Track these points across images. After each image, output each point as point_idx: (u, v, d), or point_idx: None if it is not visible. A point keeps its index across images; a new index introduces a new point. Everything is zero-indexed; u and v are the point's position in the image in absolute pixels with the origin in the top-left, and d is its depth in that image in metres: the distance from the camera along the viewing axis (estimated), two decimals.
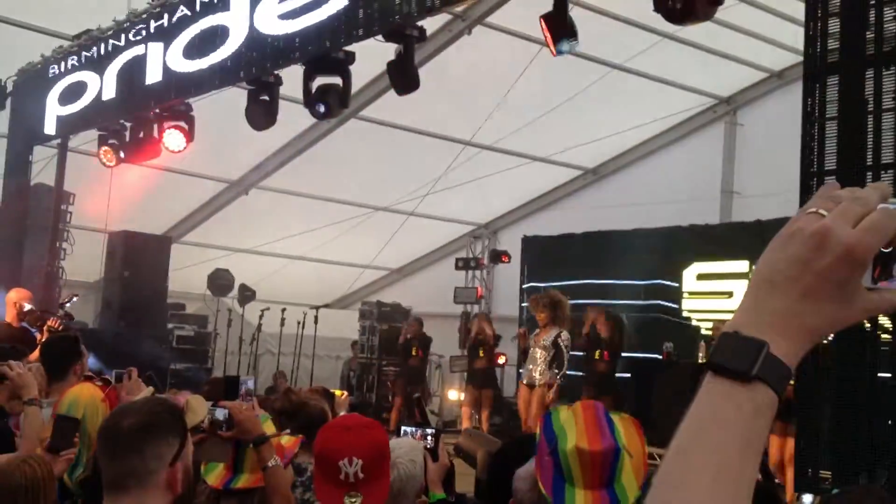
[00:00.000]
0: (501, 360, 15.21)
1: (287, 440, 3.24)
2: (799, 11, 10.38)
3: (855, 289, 0.92)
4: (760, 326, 0.92)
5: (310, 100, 8.23)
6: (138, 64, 9.64)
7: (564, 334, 9.84)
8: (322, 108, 8.29)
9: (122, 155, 10.39)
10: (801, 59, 12.66)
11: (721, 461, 0.88)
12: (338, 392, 5.39)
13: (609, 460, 2.32)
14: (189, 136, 9.86)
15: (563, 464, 2.33)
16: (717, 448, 0.89)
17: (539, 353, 9.77)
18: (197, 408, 3.24)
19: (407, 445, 3.23)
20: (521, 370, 11.18)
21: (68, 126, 11.00)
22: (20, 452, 3.72)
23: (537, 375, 9.73)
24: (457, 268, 16.67)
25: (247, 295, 15.28)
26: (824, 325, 0.93)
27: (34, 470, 2.92)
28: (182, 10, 9.15)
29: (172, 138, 9.84)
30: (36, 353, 6.76)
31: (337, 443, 2.76)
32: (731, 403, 0.90)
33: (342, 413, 6.36)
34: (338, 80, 8.11)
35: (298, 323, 14.24)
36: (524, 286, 14.53)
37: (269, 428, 3.18)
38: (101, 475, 2.35)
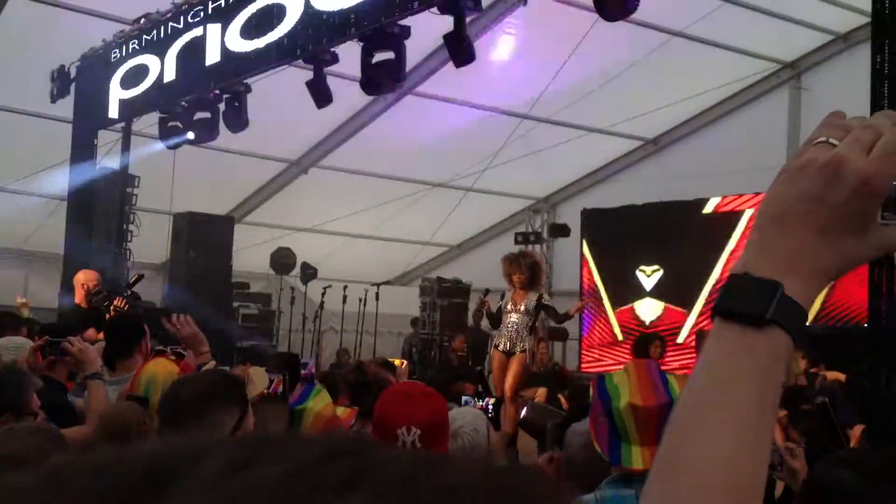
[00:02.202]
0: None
1: (342, 411, 3.23)
2: None
3: (870, 223, 0.85)
4: (772, 266, 0.85)
5: (366, 76, 8.23)
6: (197, 45, 9.73)
7: (545, 295, 9.32)
8: (377, 85, 8.30)
9: (188, 136, 10.53)
10: (865, 20, 12.32)
11: (738, 413, 0.82)
12: (397, 361, 5.41)
13: (664, 416, 2.29)
14: (245, 116, 9.96)
15: (618, 422, 2.32)
16: (733, 400, 0.83)
17: (517, 318, 9.04)
18: (258, 379, 3.27)
19: (470, 415, 3.23)
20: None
21: (131, 109, 11.17)
22: (89, 427, 3.80)
23: (518, 342, 9.01)
24: (516, 242, 16.58)
25: (309, 273, 15.43)
26: (839, 263, 0.87)
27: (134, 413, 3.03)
28: None
29: (230, 118, 9.95)
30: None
31: (396, 410, 2.74)
32: (744, 350, 0.84)
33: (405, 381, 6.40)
34: (392, 56, 8.09)
35: (360, 300, 14.36)
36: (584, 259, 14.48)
37: (323, 399, 3.16)
38: None
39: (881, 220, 0.86)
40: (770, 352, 0.84)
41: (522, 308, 9.03)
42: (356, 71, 8.36)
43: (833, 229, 0.85)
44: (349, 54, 8.46)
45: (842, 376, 8.35)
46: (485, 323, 10.68)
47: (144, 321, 4.65)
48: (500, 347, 9.17)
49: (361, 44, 8.00)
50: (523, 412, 4.37)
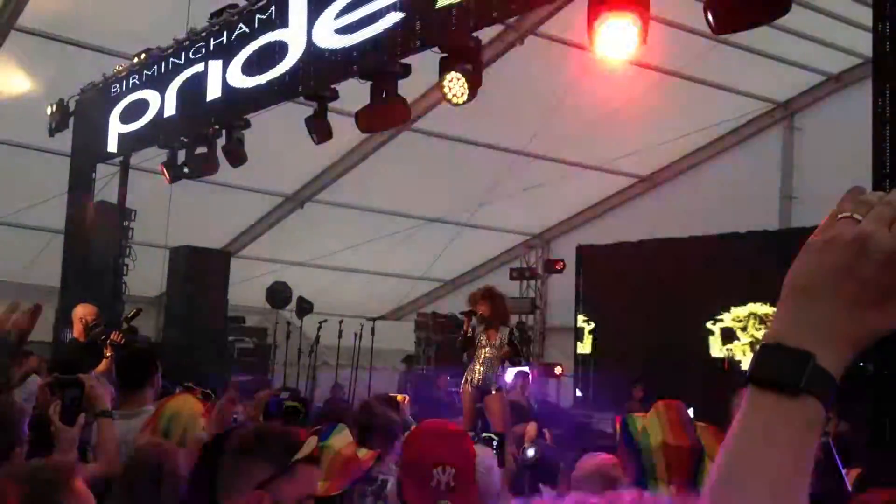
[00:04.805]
0: (558, 370, 15.19)
1: (364, 453, 3.20)
2: (854, 13, 10.29)
3: (893, 295, 0.90)
4: (803, 337, 0.89)
5: (368, 115, 8.29)
6: (198, 81, 9.78)
7: (515, 331, 9.38)
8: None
9: (184, 171, 10.57)
10: (858, 61, 12.48)
11: (776, 484, 0.85)
12: (399, 396, 5.40)
13: (694, 459, 2.31)
14: (242, 152, 10.04)
15: (647, 461, 2.33)
16: (771, 469, 0.86)
17: (490, 353, 8.87)
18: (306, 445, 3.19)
19: (480, 453, 3.23)
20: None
21: (130, 143, 11.18)
22: (100, 464, 3.80)
23: (493, 380, 8.83)
24: (511, 278, 16.66)
25: (304, 307, 15.42)
26: (866, 333, 0.91)
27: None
28: (241, 28, 9.26)
29: (231, 153, 10.01)
30: (102, 367, 6.93)
31: (431, 449, 2.74)
32: (779, 419, 0.87)
33: (408, 416, 6.38)
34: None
35: (355, 335, 14.35)
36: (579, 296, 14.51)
37: (345, 438, 3.14)
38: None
39: None
40: (804, 420, 0.87)
41: (497, 342, 8.91)
42: (353, 107, 8.43)
43: (859, 301, 0.89)
44: (346, 90, 8.53)
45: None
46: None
47: (157, 357, 4.65)
48: (473, 382, 8.89)
49: (370, 82, 8.04)
50: (530, 452, 4.36)
